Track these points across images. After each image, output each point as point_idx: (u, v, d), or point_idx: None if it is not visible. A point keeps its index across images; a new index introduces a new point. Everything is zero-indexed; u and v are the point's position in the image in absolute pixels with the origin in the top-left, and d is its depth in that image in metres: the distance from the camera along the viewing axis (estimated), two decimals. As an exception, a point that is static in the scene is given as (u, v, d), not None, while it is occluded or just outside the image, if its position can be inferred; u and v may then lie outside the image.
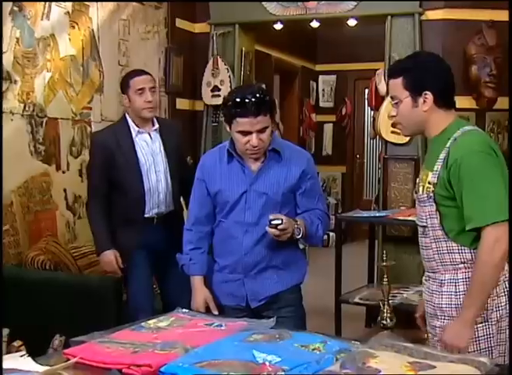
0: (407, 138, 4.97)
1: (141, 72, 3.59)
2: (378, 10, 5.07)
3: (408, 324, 4.04)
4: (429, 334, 2.38)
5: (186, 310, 2.02)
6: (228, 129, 2.59)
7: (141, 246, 3.43)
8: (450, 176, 2.16)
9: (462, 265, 2.22)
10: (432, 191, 2.22)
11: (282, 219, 2.51)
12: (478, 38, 4.76)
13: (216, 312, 2.58)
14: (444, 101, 2.27)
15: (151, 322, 1.90)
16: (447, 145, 2.20)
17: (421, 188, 2.29)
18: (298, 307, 2.77)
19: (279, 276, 2.69)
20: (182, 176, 3.53)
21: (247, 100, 2.47)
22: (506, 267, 2.22)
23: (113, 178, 3.43)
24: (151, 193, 3.45)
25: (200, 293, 2.68)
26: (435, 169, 2.22)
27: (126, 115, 3.52)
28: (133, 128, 3.47)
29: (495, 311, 2.20)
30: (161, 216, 3.51)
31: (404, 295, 4.48)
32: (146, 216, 3.45)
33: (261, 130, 2.52)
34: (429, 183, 2.23)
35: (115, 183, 3.44)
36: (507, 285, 2.21)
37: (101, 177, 3.46)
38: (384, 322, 3.95)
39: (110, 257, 3.41)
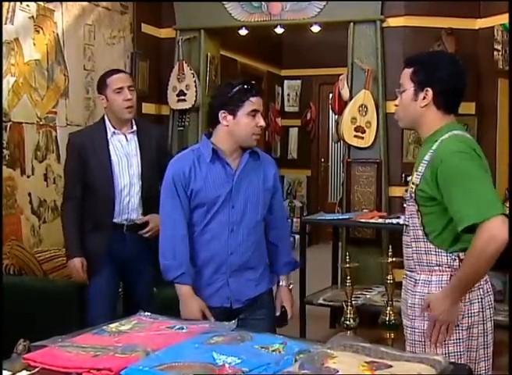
0: (370, 142, 5.06)
1: (118, 71, 3.54)
2: (341, 17, 5.15)
3: (371, 324, 4.13)
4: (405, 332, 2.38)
5: (149, 313, 2.03)
6: (229, 118, 2.60)
7: (108, 254, 3.34)
8: (437, 178, 2.16)
9: (437, 267, 2.23)
10: (414, 192, 2.23)
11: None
12: (438, 45, 4.86)
13: (212, 319, 2.52)
14: (444, 103, 2.25)
15: (112, 325, 1.90)
16: (433, 147, 2.20)
17: (409, 188, 2.32)
18: (271, 309, 2.81)
19: (259, 277, 2.75)
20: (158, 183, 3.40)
21: (251, 83, 2.63)
22: (486, 277, 2.25)
23: (86, 179, 3.36)
24: (121, 196, 3.35)
25: (193, 301, 2.62)
26: (419, 169, 2.23)
27: (105, 116, 3.45)
28: (109, 129, 3.39)
29: (466, 317, 2.21)
30: (132, 224, 3.38)
31: (367, 296, 4.55)
32: (115, 220, 3.35)
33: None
34: (413, 183, 2.25)
35: (87, 184, 3.37)
36: (481, 293, 2.23)
37: (75, 179, 3.38)
38: (347, 322, 4.02)
39: (77, 265, 3.33)
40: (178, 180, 2.63)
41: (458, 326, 2.21)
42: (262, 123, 2.63)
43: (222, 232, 2.65)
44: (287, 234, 3.03)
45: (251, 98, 2.58)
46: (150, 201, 3.34)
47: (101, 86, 3.41)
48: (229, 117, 2.60)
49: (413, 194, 2.24)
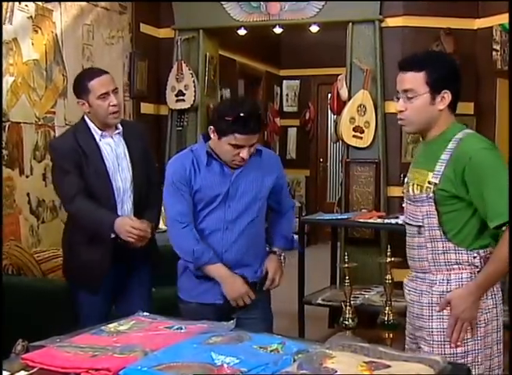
0: (369, 142, 5.06)
1: (99, 72, 3.15)
2: (340, 17, 5.16)
3: (370, 324, 4.13)
4: (409, 336, 2.39)
5: (147, 313, 2.04)
6: (215, 137, 2.61)
7: (108, 268, 3.08)
8: (465, 175, 2.16)
9: (456, 265, 2.23)
10: (433, 191, 2.22)
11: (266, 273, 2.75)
12: (436, 45, 4.86)
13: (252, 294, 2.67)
14: (455, 103, 2.28)
15: (111, 326, 1.90)
16: (449, 146, 2.21)
17: (411, 187, 2.30)
18: (266, 308, 2.83)
19: (254, 274, 2.76)
20: (148, 189, 3.21)
21: (248, 118, 2.53)
22: None
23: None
24: (118, 203, 3.11)
25: (235, 277, 2.67)
26: (436, 169, 2.22)
27: (85, 117, 3.14)
28: (96, 131, 3.10)
29: (483, 313, 2.23)
30: None
31: (366, 296, 4.55)
32: None
33: (253, 144, 2.63)
34: (429, 183, 2.23)
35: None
36: (494, 289, 2.25)
37: (77, 181, 3.03)
38: (346, 322, 4.01)
39: (124, 221, 2.98)
40: (179, 177, 2.68)
41: (476, 323, 2.22)
42: (245, 156, 2.60)
43: (217, 229, 2.69)
44: (291, 218, 3.00)
45: (236, 135, 2.55)
46: (141, 205, 3.17)
47: (81, 91, 3.08)
48: (215, 136, 2.62)
49: (431, 194, 2.22)
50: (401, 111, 2.29)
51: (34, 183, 4.33)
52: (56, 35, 4.53)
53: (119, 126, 3.16)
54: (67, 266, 3.34)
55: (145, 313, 2.05)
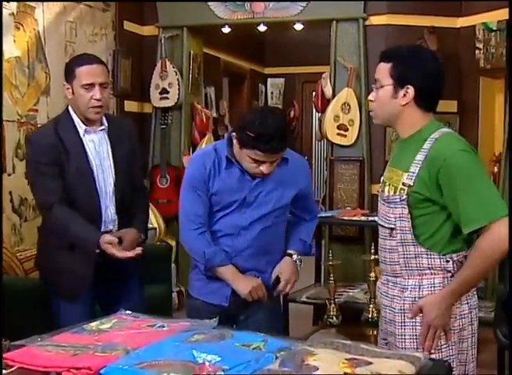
0: (353, 140, 5.08)
1: (92, 59, 2.88)
2: (324, 15, 5.16)
3: (354, 322, 4.15)
4: (381, 342, 2.31)
5: (129, 312, 2.02)
6: (237, 145, 2.51)
7: (90, 275, 2.85)
8: (439, 178, 2.07)
9: (428, 271, 2.15)
10: (407, 194, 2.13)
11: (278, 276, 2.66)
12: (420, 43, 4.86)
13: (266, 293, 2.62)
14: (425, 101, 2.17)
15: (92, 324, 1.88)
16: (424, 146, 2.11)
17: (387, 188, 2.21)
18: (275, 314, 2.76)
19: (264, 281, 2.68)
20: (133, 195, 3.00)
21: (272, 137, 2.40)
22: None
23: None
24: (105, 208, 2.88)
25: (244, 276, 2.62)
26: (411, 170, 2.12)
27: (70, 108, 2.89)
28: (80, 126, 2.85)
29: (458, 319, 2.16)
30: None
31: (350, 294, 4.57)
32: None
33: (276, 159, 2.52)
34: (403, 184, 2.14)
35: (65, 193, 2.81)
36: (469, 294, 2.18)
37: (56, 178, 2.79)
38: (330, 320, 4.04)
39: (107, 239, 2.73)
40: (198, 177, 2.60)
41: (450, 329, 2.14)
42: (265, 171, 2.49)
43: (229, 234, 2.63)
44: (311, 225, 2.88)
45: (257, 151, 2.44)
46: (125, 212, 2.94)
47: (68, 74, 2.84)
48: (237, 144, 2.53)
49: (404, 196, 2.13)
50: (371, 101, 2.25)
51: (17, 181, 4.29)
52: (38, 32, 4.49)
53: (105, 122, 2.92)
54: (44, 272, 3.10)
55: (127, 312, 2.04)
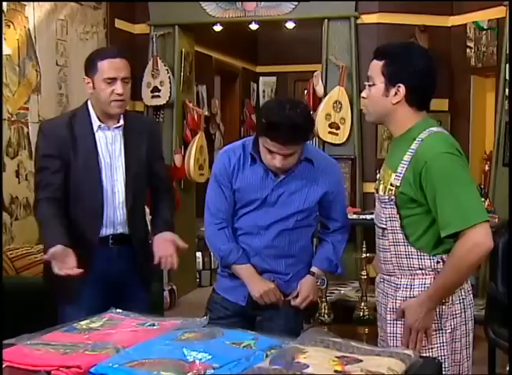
0: (344, 138, 5.09)
1: (114, 53, 2.77)
2: (315, 14, 5.18)
3: (346, 320, 4.16)
4: (380, 335, 2.31)
5: (120, 310, 2.02)
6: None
7: (91, 276, 2.66)
8: (421, 180, 2.06)
9: (419, 271, 2.14)
10: (394, 194, 2.12)
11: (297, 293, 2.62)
12: (412, 42, 4.90)
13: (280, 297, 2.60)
14: (417, 100, 2.15)
15: (83, 323, 1.87)
16: (412, 146, 2.10)
17: (381, 187, 2.20)
18: (291, 319, 2.70)
19: (284, 283, 2.64)
20: (149, 188, 2.91)
21: (283, 127, 2.34)
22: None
23: (66, 185, 2.72)
24: (107, 205, 2.74)
25: (260, 277, 2.59)
26: (398, 170, 2.12)
27: (89, 102, 2.79)
28: (95, 121, 2.75)
29: (450, 319, 2.14)
30: (118, 239, 2.78)
31: (341, 292, 4.59)
32: (101, 235, 2.74)
33: (289, 154, 2.44)
34: (391, 185, 2.13)
35: (68, 192, 2.72)
36: (462, 293, 2.17)
37: (56, 172, 2.69)
38: (322, 318, 4.06)
39: (53, 251, 2.52)
40: (222, 172, 2.59)
41: (442, 329, 2.14)
42: (277, 164, 2.43)
43: (249, 233, 2.61)
44: (340, 239, 2.76)
45: (267, 139, 2.40)
46: (136, 213, 2.84)
47: (90, 68, 2.73)
48: (256, 132, 2.55)
49: (393, 197, 2.13)
50: (363, 98, 2.25)
51: (7, 179, 4.28)
52: (29, 30, 4.48)
53: (121, 119, 2.80)
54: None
55: (118, 310, 2.03)
